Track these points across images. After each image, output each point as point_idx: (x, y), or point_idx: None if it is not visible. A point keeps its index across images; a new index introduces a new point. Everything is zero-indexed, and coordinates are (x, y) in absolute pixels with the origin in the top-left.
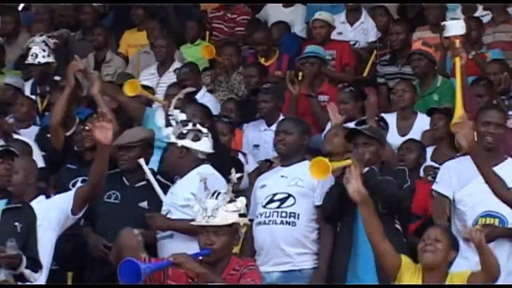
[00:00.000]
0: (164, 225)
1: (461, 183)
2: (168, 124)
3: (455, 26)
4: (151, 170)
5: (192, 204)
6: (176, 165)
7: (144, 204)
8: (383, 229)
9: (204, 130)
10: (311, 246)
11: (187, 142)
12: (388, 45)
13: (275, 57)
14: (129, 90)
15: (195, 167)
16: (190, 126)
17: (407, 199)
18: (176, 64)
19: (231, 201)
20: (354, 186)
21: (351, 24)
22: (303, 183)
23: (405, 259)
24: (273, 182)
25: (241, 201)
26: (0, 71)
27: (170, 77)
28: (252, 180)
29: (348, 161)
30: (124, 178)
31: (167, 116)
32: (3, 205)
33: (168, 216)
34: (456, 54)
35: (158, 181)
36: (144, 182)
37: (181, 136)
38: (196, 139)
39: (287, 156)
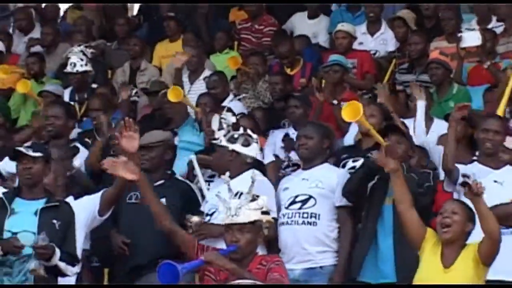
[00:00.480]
0: (217, 233)
1: None
2: (220, 128)
3: (471, 37)
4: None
5: (217, 205)
6: (225, 167)
7: (162, 200)
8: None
9: (254, 136)
10: (332, 244)
11: (237, 147)
12: (406, 55)
13: (300, 66)
14: (172, 96)
15: (243, 171)
16: (241, 130)
17: (426, 197)
18: (206, 73)
19: (253, 199)
20: (384, 161)
21: (372, 35)
22: (323, 184)
23: (430, 231)
24: (295, 184)
25: (263, 199)
26: (40, 80)
27: (200, 84)
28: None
29: (382, 140)
30: None
31: (220, 119)
32: (42, 204)
33: (216, 214)
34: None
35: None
36: (162, 181)
37: (232, 140)
38: (246, 144)
39: (308, 159)
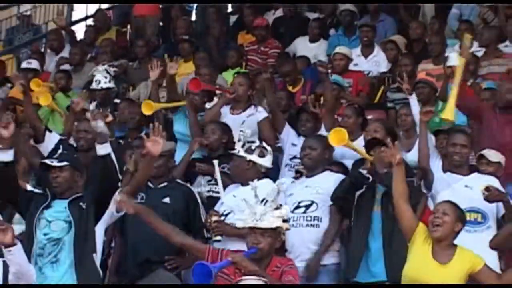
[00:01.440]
0: (231, 233)
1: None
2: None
3: (456, 58)
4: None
5: (243, 208)
6: (241, 176)
7: (166, 199)
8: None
9: (268, 148)
10: (333, 245)
11: (254, 157)
12: (396, 75)
13: (301, 85)
14: (145, 110)
15: (258, 179)
16: (257, 143)
17: (419, 206)
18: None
19: (276, 208)
20: (393, 151)
21: (365, 57)
22: (322, 190)
23: (422, 225)
24: (298, 191)
25: (285, 208)
26: (66, 94)
27: (215, 99)
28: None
29: (367, 157)
30: (149, 182)
31: (240, 131)
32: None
33: (231, 215)
34: (463, 53)
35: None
36: (165, 184)
37: (250, 151)
38: (262, 155)
39: (311, 168)
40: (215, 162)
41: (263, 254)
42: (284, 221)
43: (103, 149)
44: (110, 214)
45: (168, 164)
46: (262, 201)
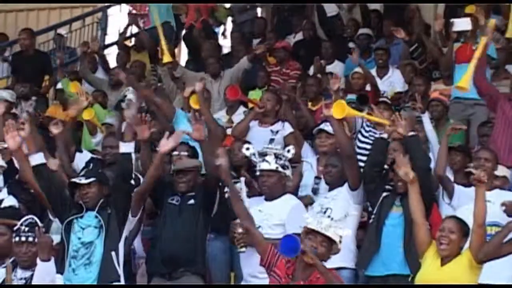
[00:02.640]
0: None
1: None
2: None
3: (462, 23)
4: None
5: (307, 217)
6: (277, 191)
7: (191, 201)
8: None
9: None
10: (351, 248)
11: (289, 172)
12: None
13: (322, 103)
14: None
15: (285, 193)
16: (282, 156)
17: (433, 181)
18: (243, 108)
19: (341, 228)
20: (405, 170)
21: (380, 78)
22: (337, 197)
23: (434, 243)
24: (318, 203)
25: (348, 232)
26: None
27: (239, 117)
28: None
29: (383, 121)
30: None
31: (245, 149)
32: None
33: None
34: (486, 33)
35: None
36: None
37: (285, 167)
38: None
39: (332, 183)
40: (242, 179)
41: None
42: (340, 242)
43: (125, 147)
44: (130, 220)
45: (188, 178)
46: (329, 216)
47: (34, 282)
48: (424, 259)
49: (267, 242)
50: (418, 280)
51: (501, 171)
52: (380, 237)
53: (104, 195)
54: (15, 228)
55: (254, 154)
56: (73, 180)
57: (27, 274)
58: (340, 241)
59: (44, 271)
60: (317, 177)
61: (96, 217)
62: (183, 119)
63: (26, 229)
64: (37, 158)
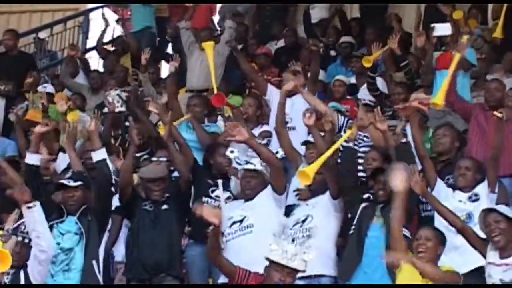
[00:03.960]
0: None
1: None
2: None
3: (443, 28)
4: None
5: (270, 243)
6: (258, 191)
7: (165, 206)
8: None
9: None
10: (330, 256)
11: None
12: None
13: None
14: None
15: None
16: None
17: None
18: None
19: (305, 252)
20: (400, 179)
21: (360, 86)
22: (316, 204)
23: (410, 254)
24: (299, 211)
25: (312, 254)
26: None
27: (219, 123)
28: None
29: (346, 135)
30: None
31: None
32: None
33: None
34: (459, 49)
35: None
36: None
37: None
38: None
39: (314, 190)
40: (220, 182)
41: None
42: (306, 265)
43: (98, 155)
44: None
45: (161, 186)
46: (293, 240)
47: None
48: (400, 270)
49: (233, 265)
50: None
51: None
52: (362, 248)
53: (87, 200)
54: (13, 227)
55: (237, 158)
56: (62, 181)
57: (12, 270)
58: (306, 264)
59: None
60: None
61: (77, 223)
62: (183, 127)
63: (26, 230)
64: (32, 158)
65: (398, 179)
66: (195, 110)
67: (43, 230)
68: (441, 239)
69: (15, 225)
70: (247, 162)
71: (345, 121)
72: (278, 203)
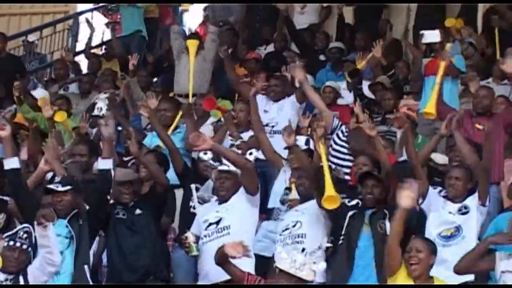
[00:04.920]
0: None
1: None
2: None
3: (432, 35)
4: None
5: (280, 251)
6: (232, 192)
7: (138, 211)
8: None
9: None
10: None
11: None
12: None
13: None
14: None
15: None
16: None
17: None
18: (212, 119)
19: (315, 262)
20: (409, 196)
21: (350, 91)
22: (308, 211)
23: (404, 266)
24: (289, 216)
25: (322, 265)
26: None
27: (208, 128)
28: None
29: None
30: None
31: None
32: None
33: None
34: (443, 57)
35: None
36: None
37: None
38: None
39: (304, 196)
40: (193, 186)
41: None
42: (314, 275)
43: (103, 164)
44: None
45: (130, 190)
46: (302, 250)
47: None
48: (394, 279)
49: (241, 271)
50: None
51: (441, 159)
52: (353, 259)
53: (78, 205)
54: (11, 232)
55: (212, 159)
56: (50, 186)
57: (11, 276)
58: (315, 274)
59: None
60: (287, 188)
61: (67, 226)
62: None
63: (24, 235)
64: (12, 162)
65: (407, 196)
66: (166, 115)
67: (54, 246)
68: (433, 249)
69: (13, 231)
70: (221, 163)
71: (339, 124)
72: (252, 204)
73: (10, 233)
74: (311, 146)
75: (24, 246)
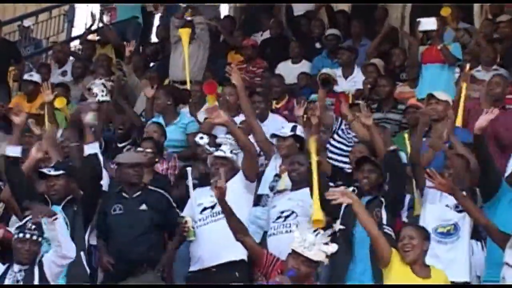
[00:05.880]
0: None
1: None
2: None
3: (428, 22)
4: None
5: (294, 229)
6: (228, 177)
7: (143, 207)
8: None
9: None
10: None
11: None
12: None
13: (285, 101)
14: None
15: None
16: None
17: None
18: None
19: (326, 243)
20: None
21: (345, 78)
22: (303, 203)
23: (395, 251)
24: (282, 203)
25: (334, 247)
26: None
27: (203, 115)
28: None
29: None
30: (123, 193)
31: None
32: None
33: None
34: (463, 79)
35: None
36: (139, 192)
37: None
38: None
39: (298, 182)
40: (189, 169)
41: (300, 280)
42: (327, 257)
43: (89, 149)
44: None
45: (141, 173)
46: (315, 230)
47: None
48: (390, 268)
49: (261, 248)
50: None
51: (443, 96)
52: (352, 247)
53: (71, 190)
54: (20, 224)
55: (208, 144)
56: (42, 170)
57: (25, 267)
58: (327, 256)
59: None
60: (276, 175)
61: (61, 212)
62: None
63: (33, 227)
64: (15, 150)
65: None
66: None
67: (64, 239)
68: (426, 235)
69: (21, 223)
70: (217, 149)
71: (340, 123)
72: (249, 190)
73: (18, 224)
74: (298, 132)
75: (34, 237)
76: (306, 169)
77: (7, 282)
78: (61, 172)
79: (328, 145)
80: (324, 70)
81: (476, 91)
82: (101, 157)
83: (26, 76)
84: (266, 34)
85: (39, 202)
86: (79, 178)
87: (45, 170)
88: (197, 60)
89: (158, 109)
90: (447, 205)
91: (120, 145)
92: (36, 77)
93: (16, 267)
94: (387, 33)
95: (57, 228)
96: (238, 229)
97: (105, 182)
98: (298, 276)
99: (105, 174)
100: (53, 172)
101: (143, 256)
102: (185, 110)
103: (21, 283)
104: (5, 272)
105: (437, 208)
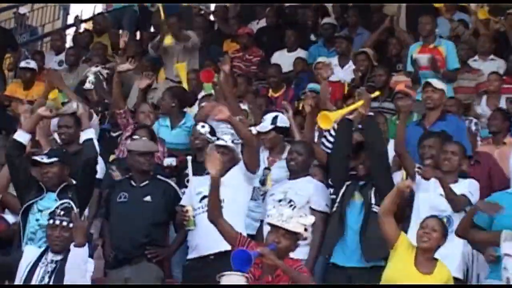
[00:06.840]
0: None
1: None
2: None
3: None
4: None
5: (270, 208)
6: (228, 167)
7: (148, 198)
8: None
9: None
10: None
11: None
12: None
13: (283, 90)
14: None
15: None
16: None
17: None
18: (202, 93)
19: (303, 216)
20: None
21: (342, 67)
22: (301, 192)
23: (403, 234)
24: (279, 192)
25: (311, 219)
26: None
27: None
28: None
29: (354, 106)
30: (132, 181)
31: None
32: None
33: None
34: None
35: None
36: (147, 182)
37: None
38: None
39: (296, 171)
40: (189, 158)
41: (280, 254)
42: (305, 230)
43: (85, 134)
44: None
45: (152, 161)
46: (291, 205)
47: (68, 267)
48: (394, 250)
49: (235, 231)
50: (389, 277)
51: (439, 84)
52: (343, 225)
53: (65, 177)
54: (50, 211)
55: (209, 132)
56: (35, 158)
57: (58, 257)
58: (306, 229)
59: (78, 256)
60: (266, 168)
61: (56, 200)
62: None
63: (62, 213)
64: (24, 137)
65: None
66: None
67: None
68: (445, 233)
69: (51, 210)
70: (218, 138)
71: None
72: (249, 181)
73: (50, 211)
74: (279, 123)
75: (64, 223)
76: (304, 159)
77: (37, 271)
78: (54, 159)
79: (325, 135)
80: (320, 59)
81: (471, 80)
82: (96, 143)
83: (23, 64)
84: (262, 23)
85: (36, 192)
86: (73, 164)
87: (38, 158)
88: (189, 62)
89: (163, 110)
90: (441, 194)
91: (114, 134)
92: (33, 64)
93: (50, 256)
94: (386, 27)
95: (83, 254)
96: (215, 209)
97: (100, 170)
98: (279, 249)
99: (100, 161)
100: (46, 160)
101: (140, 247)
102: (191, 113)
103: (49, 275)
104: (38, 260)
105: (430, 198)
